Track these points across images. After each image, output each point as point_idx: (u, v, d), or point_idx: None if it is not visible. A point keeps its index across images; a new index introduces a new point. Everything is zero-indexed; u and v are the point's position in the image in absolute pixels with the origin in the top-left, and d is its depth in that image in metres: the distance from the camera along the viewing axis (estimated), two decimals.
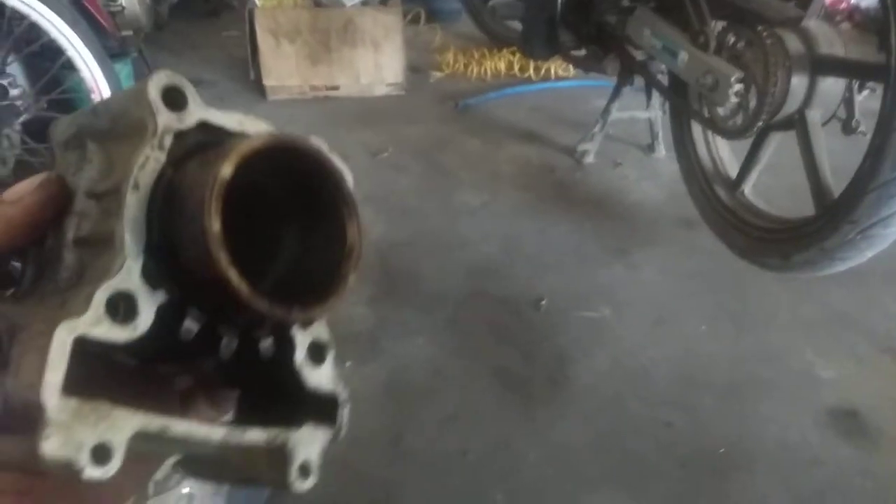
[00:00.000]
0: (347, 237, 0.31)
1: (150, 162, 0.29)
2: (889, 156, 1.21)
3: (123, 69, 2.42)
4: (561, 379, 1.43)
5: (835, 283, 1.40)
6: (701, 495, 1.19)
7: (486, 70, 2.84)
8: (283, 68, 2.58)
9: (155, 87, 0.30)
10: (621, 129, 2.28)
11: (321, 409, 0.33)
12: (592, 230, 1.90)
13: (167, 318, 0.29)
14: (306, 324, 0.32)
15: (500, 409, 1.36)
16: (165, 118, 0.30)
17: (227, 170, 0.27)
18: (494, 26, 3.00)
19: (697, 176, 1.79)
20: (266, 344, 0.32)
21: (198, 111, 0.31)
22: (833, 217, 1.33)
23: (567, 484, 1.22)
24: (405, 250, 1.84)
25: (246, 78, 2.73)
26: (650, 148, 2.26)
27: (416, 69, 2.87)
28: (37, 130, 1.72)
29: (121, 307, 0.28)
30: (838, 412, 1.35)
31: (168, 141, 0.30)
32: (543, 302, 1.63)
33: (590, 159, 2.22)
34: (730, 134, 1.52)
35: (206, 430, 0.29)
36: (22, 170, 1.67)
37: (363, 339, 1.54)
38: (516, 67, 2.83)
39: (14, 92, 1.68)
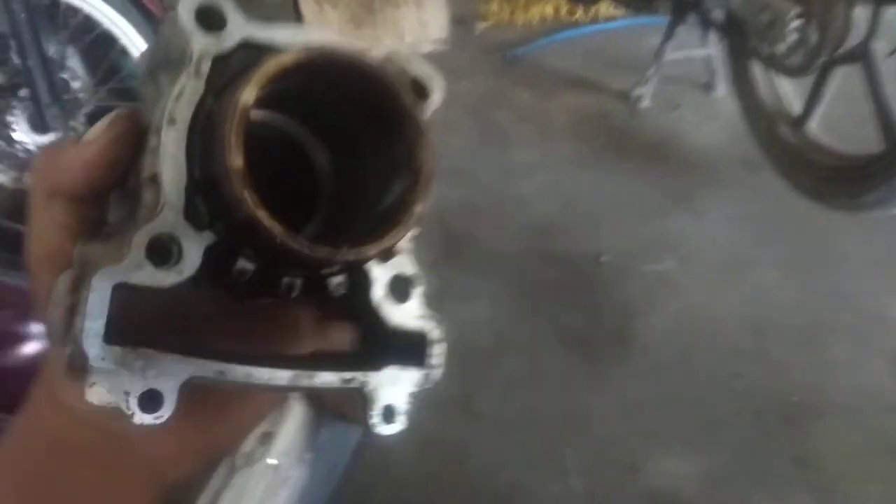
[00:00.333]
0: (413, 160, 0.28)
1: (186, 92, 0.27)
2: None
3: None
4: (627, 335, 1.43)
5: None
6: (775, 445, 1.20)
7: (532, 16, 2.76)
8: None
9: (186, 8, 0.27)
10: (677, 69, 2.20)
11: (408, 349, 0.31)
12: (652, 179, 1.86)
13: (219, 260, 0.27)
14: (381, 259, 0.29)
15: (567, 367, 1.38)
16: (201, 42, 0.27)
17: (248, 95, 0.25)
18: None
19: (759, 115, 1.73)
20: (336, 281, 0.29)
21: (239, 29, 0.28)
22: None
23: (637, 439, 1.24)
24: (463, 212, 1.85)
25: None
26: (709, 87, 2.18)
27: (460, 21, 2.81)
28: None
29: (163, 250, 0.26)
30: None
31: (205, 67, 0.27)
32: (605, 257, 1.62)
33: (646, 103, 2.16)
34: (791, 71, 1.46)
35: (269, 373, 0.28)
36: None
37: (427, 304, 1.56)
38: (564, 11, 2.74)
39: (75, 85, 1.73)
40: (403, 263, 0.30)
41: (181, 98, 0.27)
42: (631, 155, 1.97)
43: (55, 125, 1.60)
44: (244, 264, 0.27)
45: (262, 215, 0.25)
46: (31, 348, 1.08)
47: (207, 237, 0.27)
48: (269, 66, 0.26)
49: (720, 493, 1.16)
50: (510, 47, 2.60)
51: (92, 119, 1.77)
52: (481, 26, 2.81)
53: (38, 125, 1.60)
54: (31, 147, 1.64)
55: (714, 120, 2.06)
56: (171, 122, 0.27)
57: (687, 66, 2.21)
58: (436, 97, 0.32)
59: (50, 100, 1.56)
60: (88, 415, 0.28)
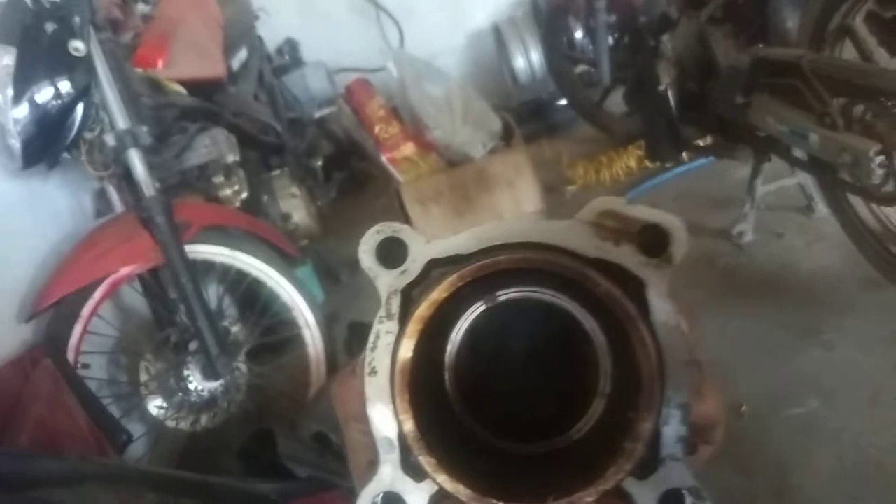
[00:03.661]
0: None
1: (381, 338, 0.26)
2: None
3: (306, 270, 2.76)
4: (787, 491, 1.41)
5: None
6: None
7: (616, 171, 2.92)
8: (434, 229, 2.80)
9: (366, 251, 0.26)
10: (773, 197, 2.25)
11: None
12: (774, 315, 1.87)
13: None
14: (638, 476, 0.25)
15: None
16: (386, 281, 0.26)
17: (405, 351, 0.24)
18: (613, 125, 3.10)
19: (867, 238, 1.74)
20: None
21: (422, 254, 0.26)
22: None
23: None
24: None
25: None
26: (809, 209, 2.21)
27: (550, 188, 3.01)
28: (257, 356, 2.01)
29: None
30: None
31: (395, 305, 0.26)
32: (744, 408, 1.62)
33: (748, 237, 2.20)
34: (886, 200, 1.49)
35: None
36: (253, 393, 1.95)
37: None
38: (647, 160, 2.89)
39: (235, 329, 1.99)
40: (673, 474, 0.24)
41: (377, 346, 0.26)
42: (746, 293, 1.99)
43: (224, 371, 1.84)
44: None
45: (443, 480, 0.24)
46: None
47: (428, 487, 0.26)
48: (420, 312, 0.23)
49: None
50: None
51: (249, 356, 2.01)
52: (571, 190, 2.99)
53: (210, 373, 1.84)
54: (204, 393, 1.87)
55: (822, 241, 2.07)
56: (373, 373, 0.26)
57: (784, 193, 2.26)
58: (677, 250, 0.26)
59: (218, 350, 1.81)
60: None
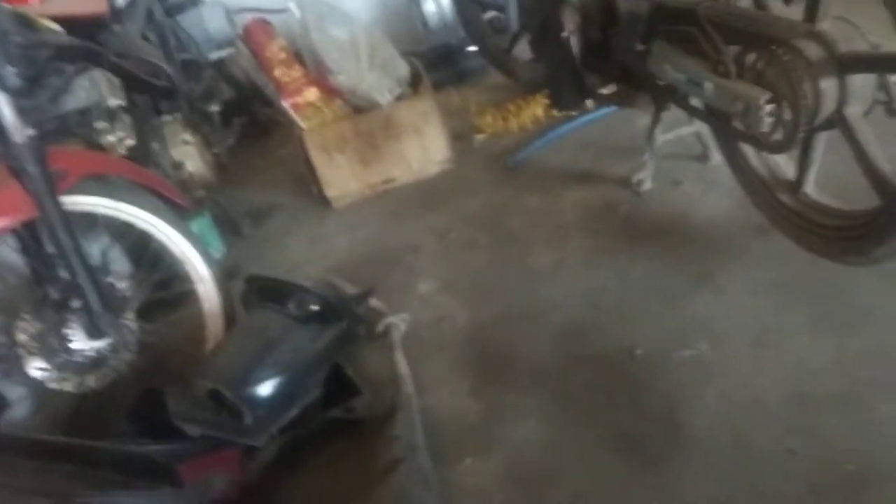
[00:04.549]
0: None
1: None
2: None
3: (203, 221, 2.64)
4: (676, 429, 1.46)
5: None
6: None
7: (524, 120, 2.91)
8: (340, 177, 2.74)
9: None
10: (671, 146, 2.29)
11: None
12: (670, 261, 1.92)
13: None
14: None
15: (624, 476, 1.41)
16: None
17: None
18: (521, 72, 3.07)
19: (757, 186, 1.80)
20: None
21: None
22: None
23: None
24: (494, 329, 1.93)
25: (310, 193, 2.91)
26: (705, 158, 2.26)
27: (459, 137, 2.97)
28: (148, 313, 1.91)
29: None
30: None
31: None
32: (639, 350, 1.67)
33: (648, 185, 2.24)
34: (775, 148, 1.53)
35: None
36: (145, 351, 1.86)
37: (477, 431, 1.62)
38: (554, 109, 2.88)
39: (122, 285, 1.88)
40: None
41: None
42: (644, 241, 2.03)
43: (109, 329, 1.74)
44: None
45: None
46: None
47: None
48: None
49: None
50: (510, 154, 2.74)
51: (143, 312, 1.91)
52: (479, 138, 2.96)
53: (94, 332, 1.73)
54: (89, 353, 1.77)
55: (716, 189, 2.13)
56: None
57: (681, 141, 2.31)
58: None
59: (101, 307, 1.71)
60: None
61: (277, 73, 2.84)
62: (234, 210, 2.89)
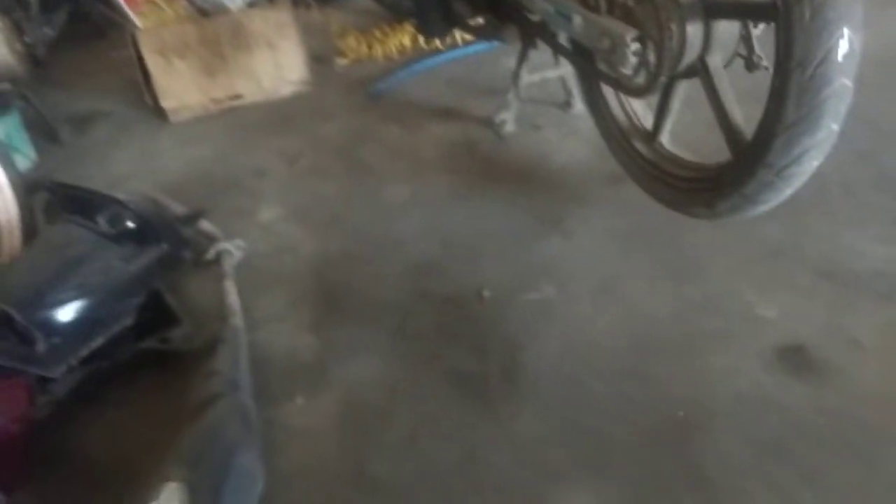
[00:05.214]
0: None
1: None
2: (790, 97, 1.20)
3: (10, 121, 2.29)
4: (515, 371, 1.42)
5: (766, 216, 1.40)
6: (668, 466, 1.21)
7: (390, 48, 2.75)
8: (179, 87, 2.46)
9: None
10: (536, 90, 2.24)
11: None
12: (524, 204, 1.87)
13: None
14: None
15: (461, 415, 1.35)
16: None
17: None
18: None
19: (614, 133, 1.78)
20: None
21: None
22: (748, 162, 1.33)
23: (538, 480, 1.22)
24: (340, 262, 1.80)
25: (145, 103, 2.60)
26: (567, 104, 2.23)
27: (318, 59, 2.77)
28: None
29: None
30: (785, 350, 1.37)
31: None
32: (486, 292, 1.61)
33: (510, 128, 2.18)
34: (636, 92, 1.50)
35: None
36: None
37: (311, 369, 1.50)
38: (421, 40, 2.75)
39: None
40: None
41: None
42: (501, 182, 1.98)
43: None
44: None
45: None
46: None
47: None
48: None
49: None
50: (372, 82, 2.58)
51: None
52: (341, 63, 2.77)
53: None
54: None
55: (575, 136, 2.11)
56: None
57: (545, 87, 2.26)
58: None
59: None
60: None
61: None
62: (53, 114, 2.53)
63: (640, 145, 1.70)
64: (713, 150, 1.47)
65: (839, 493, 1.13)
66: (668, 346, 1.42)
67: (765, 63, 1.43)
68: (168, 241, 1.65)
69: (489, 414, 1.35)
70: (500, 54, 2.52)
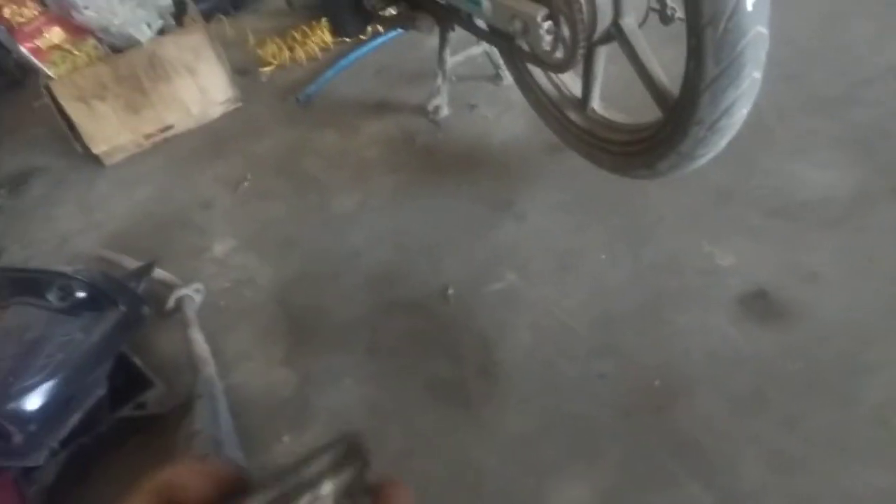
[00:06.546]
0: None
1: None
2: (708, 54, 1.19)
3: None
4: (492, 368, 1.43)
5: (710, 162, 1.40)
6: (653, 438, 1.23)
7: (312, 48, 2.69)
8: (106, 130, 2.39)
9: None
10: (463, 68, 2.21)
11: None
12: (471, 192, 1.86)
13: None
14: None
15: (447, 423, 1.36)
16: None
17: None
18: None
19: (546, 106, 1.76)
20: None
21: None
22: (679, 120, 1.33)
23: (530, 477, 1.24)
24: (300, 285, 1.79)
25: (75, 151, 2.53)
26: (497, 77, 2.21)
27: (242, 72, 2.70)
28: None
29: None
30: (747, 298, 1.39)
31: None
32: (450, 291, 1.61)
33: (444, 112, 2.16)
34: (558, 67, 1.48)
35: None
36: None
37: (292, 404, 1.50)
38: (336, 36, 2.68)
39: None
40: None
41: None
42: (445, 173, 1.96)
43: None
44: None
45: None
46: None
47: None
48: None
49: None
50: (300, 87, 2.53)
51: None
52: (265, 72, 2.71)
53: None
54: None
55: (511, 110, 2.09)
56: None
57: (472, 63, 2.23)
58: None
59: None
60: None
61: (6, 11, 2.38)
62: None
63: (572, 114, 1.70)
64: (646, 106, 1.46)
65: (822, 435, 1.16)
66: (634, 315, 1.43)
67: (679, 14, 1.42)
68: (124, 302, 1.62)
69: (474, 418, 1.36)
70: (421, 37, 2.47)
